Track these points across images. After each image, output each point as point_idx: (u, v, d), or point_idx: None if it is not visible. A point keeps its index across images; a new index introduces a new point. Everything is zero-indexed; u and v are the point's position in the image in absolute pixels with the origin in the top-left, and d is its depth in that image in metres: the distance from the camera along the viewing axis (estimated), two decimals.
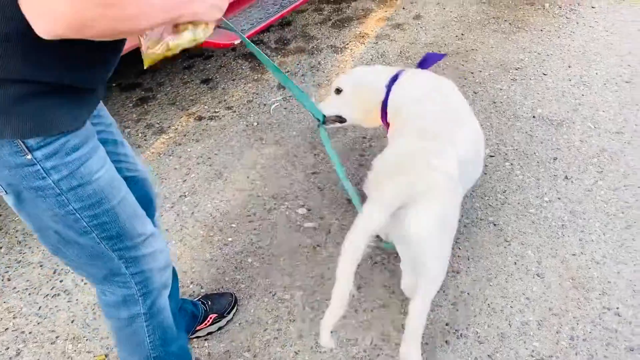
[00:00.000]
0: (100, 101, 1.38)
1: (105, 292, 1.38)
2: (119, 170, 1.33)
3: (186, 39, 1.13)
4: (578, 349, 1.81)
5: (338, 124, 2.17)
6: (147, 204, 1.52)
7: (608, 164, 2.52)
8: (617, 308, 1.93)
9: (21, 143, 1.04)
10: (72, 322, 2.04)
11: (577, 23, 3.64)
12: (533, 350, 1.82)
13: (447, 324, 1.92)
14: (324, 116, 2.08)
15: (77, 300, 2.13)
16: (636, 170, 2.47)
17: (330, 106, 2.13)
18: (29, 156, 1.06)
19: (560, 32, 3.55)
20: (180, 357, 1.58)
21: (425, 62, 2.10)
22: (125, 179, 1.35)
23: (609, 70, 3.14)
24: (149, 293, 1.39)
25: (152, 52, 1.12)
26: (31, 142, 1.05)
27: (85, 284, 2.18)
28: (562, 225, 2.24)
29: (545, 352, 1.81)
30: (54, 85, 1.05)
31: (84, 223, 1.18)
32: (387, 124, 2.03)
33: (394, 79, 2.02)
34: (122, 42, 1.18)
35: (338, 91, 2.11)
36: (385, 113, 2.03)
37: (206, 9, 1.10)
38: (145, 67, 1.17)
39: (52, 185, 1.10)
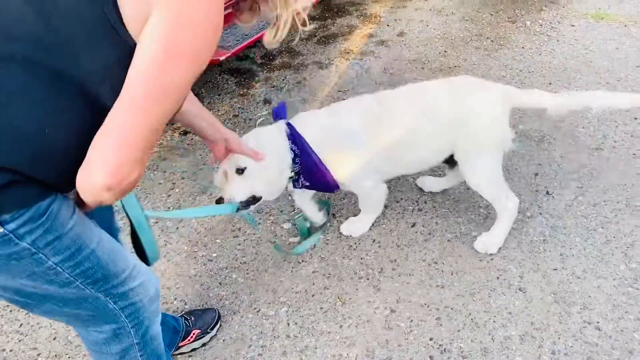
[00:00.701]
0: None
1: (91, 332, 1.34)
2: None
3: None
4: None
5: (254, 205, 1.99)
6: (108, 229, 1.44)
7: (588, 180, 2.56)
8: (598, 322, 1.95)
9: None
10: (54, 339, 2.02)
11: (558, 41, 3.72)
12: None
13: (431, 339, 1.93)
14: (239, 204, 1.89)
15: None
16: (615, 186, 2.52)
17: (239, 191, 1.92)
18: (1, 229, 1.01)
19: (541, 50, 3.62)
20: None
21: (279, 114, 2.12)
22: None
23: (588, 87, 3.21)
24: (141, 323, 1.36)
25: None
26: (5, 216, 1.00)
27: None
28: (544, 240, 2.27)
29: None
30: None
31: (66, 274, 1.14)
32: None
33: (289, 125, 2.04)
34: None
35: (240, 171, 1.91)
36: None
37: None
38: None
39: (27, 246, 1.05)
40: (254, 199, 1.97)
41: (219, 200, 1.93)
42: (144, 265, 1.35)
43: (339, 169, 2.07)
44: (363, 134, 2.06)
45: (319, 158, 2.00)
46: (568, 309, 2.00)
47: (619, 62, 3.42)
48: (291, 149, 2.00)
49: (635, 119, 2.93)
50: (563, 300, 2.04)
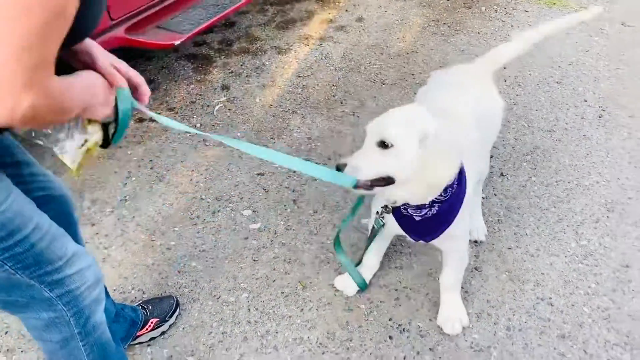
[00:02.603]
0: None
1: (29, 318, 1.30)
2: (28, 191, 1.24)
3: (95, 134, 1.20)
4: (514, 338, 1.89)
5: (380, 187, 1.56)
6: (66, 220, 1.43)
7: (541, 161, 2.64)
8: (550, 298, 2.02)
9: None
10: (6, 333, 1.95)
11: (512, 26, 3.79)
12: (472, 342, 1.88)
13: (390, 319, 1.96)
14: (360, 182, 1.51)
15: None
16: (566, 166, 2.60)
17: (371, 167, 1.51)
18: None
19: (497, 35, 3.69)
20: None
21: None
22: (37, 199, 1.26)
23: (541, 72, 3.29)
24: (81, 312, 1.32)
25: (77, 163, 1.19)
26: None
27: None
28: (499, 220, 2.33)
29: (484, 343, 1.87)
30: None
31: None
32: None
33: None
34: None
35: (384, 145, 1.50)
36: None
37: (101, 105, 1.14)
38: (77, 177, 1.18)
39: None
40: (384, 181, 1.53)
41: (339, 168, 1.52)
42: (83, 251, 1.32)
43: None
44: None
45: (464, 196, 1.63)
46: (522, 287, 2.06)
47: (570, 47, 3.51)
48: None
49: (585, 101, 3.02)
50: (517, 278, 2.10)
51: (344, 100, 3.11)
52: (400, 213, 1.66)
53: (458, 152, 1.53)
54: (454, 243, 1.79)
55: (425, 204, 1.57)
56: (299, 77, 3.33)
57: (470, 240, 2.16)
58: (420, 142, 1.47)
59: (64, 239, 1.26)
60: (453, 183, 1.56)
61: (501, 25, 3.81)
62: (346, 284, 2.05)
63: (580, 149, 2.70)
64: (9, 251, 1.13)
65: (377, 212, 1.76)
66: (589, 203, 2.40)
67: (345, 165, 1.50)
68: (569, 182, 2.51)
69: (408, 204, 1.60)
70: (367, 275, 2.06)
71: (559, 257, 2.17)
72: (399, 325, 1.94)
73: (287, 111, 3.04)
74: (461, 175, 1.59)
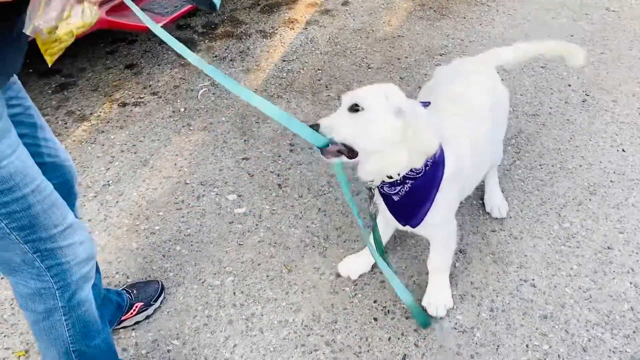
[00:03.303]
0: (18, 81, 1.31)
1: (18, 283, 1.31)
2: (37, 155, 1.26)
3: (76, 21, 1.11)
4: (497, 319, 1.91)
5: (342, 159, 1.56)
6: (67, 191, 1.46)
7: (525, 145, 2.65)
8: (533, 279, 2.04)
9: None
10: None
11: (497, 11, 3.79)
12: (456, 323, 1.90)
13: (375, 301, 1.97)
14: (328, 143, 1.51)
15: None
16: (550, 150, 2.62)
17: (343, 130, 1.52)
18: None
19: (482, 20, 3.69)
20: (104, 351, 1.53)
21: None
22: (44, 164, 1.28)
23: None
24: (67, 286, 1.33)
25: (50, 47, 1.11)
26: None
27: (2, 277, 2.07)
28: (483, 203, 2.34)
29: (467, 324, 1.89)
30: None
31: None
32: None
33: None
34: None
35: (354, 109, 1.53)
36: None
37: None
38: (50, 65, 1.13)
39: None
40: (351, 153, 1.54)
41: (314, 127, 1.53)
42: (80, 226, 1.32)
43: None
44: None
45: (441, 180, 1.63)
46: (505, 268, 2.08)
47: (555, 32, 3.52)
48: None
49: (569, 85, 3.04)
50: (501, 260, 2.11)
51: (330, 85, 3.10)
52: (381, 193, 1.69)
53: (437, 130, 1.55)
54: (435, 231, 1.82)
55: (397, 181, 1.59)
56: (284, 61, 3.30)
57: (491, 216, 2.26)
58: (396, 115, 1.50)
59: (64, 208, 1.27)
60: (427, 161, 1.57)
61: (487, 10, 3.81)
62: (350, 269, 2.04)
63: (564, 133, 2.72)
64: (6, 207, 1.14)
65: (371, 205, 1.76)
66: (572, 186, 2.42)
67: (318, 125, 1.52)
68: (552, 166, 2.53)
69: (384, 182, 1.61)
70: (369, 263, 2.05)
71: (542, 239, 2.19)
72: (384, 307, 1.95)
73: (272, 95, 3.01)
74: (438, 158, 1.60)
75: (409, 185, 1.60)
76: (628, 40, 3.44)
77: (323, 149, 1.52)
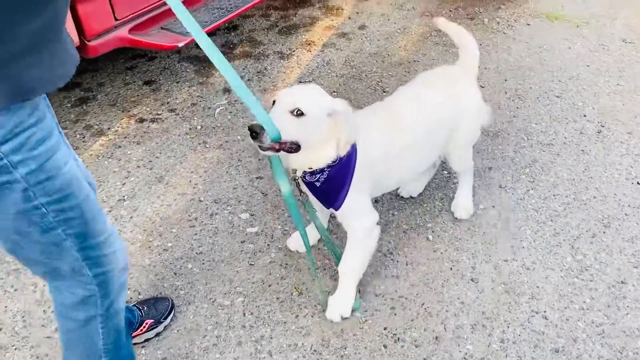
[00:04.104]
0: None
1: (64, 291, 1.34)
2: None
3: None
4: (508, 351, 1.89)
5: (282, 152, 1.72)
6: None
7: (539, 174, 2.65)
8: (545, 311, 2.02)
9: None
10: (0, 330, 1.95)
11: (514, 39, 3.81)
12: (466, 353, 1.88)
13: (385, 328, 1.96)
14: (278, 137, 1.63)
15: (5, 307, 2.03)
16: (564, 180, 2.61)
17: (289, 129, 1.66)
18: None
19: (498, 47, 3.71)
20: None
21: None
22: None
23: (541, 85, 3.30)
24: (108, 294, 1.36)
25: None
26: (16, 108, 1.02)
27: (15, 290, 2.09)
28: (496, 232, 2.34)
29: (477, 355, 1.88)
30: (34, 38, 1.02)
31: (50, 218, 1.16)
32: None
33: None
34: None
35: (298, 113, 1.67)
36: None
37: None
38: None
39: (19, 178, 1.08)
40: (294, 146, 1.71)
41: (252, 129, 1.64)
42: (116, 234, 1.37)
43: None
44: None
45: (354, 167, 1.83)
46: (517, 299, 2.07)
47: (570, 61, 3.53)
48: None
49: (584, 115, 3.04)
50: (513, 290, 2.10)
51: None
52: (305, 182, 1.88)
53: (355, 125, 1.77)
54: (347, 221, 1.95)
55: (317, 170, 1.80)
56: (300, 82, 3.34)
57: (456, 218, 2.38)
58: (328, 116, 1.72)
59: (104, 217, 1.32)
60: (343, 156, 1.78)
61: (503, 37, 3.83)
62: (298, 242, 2.21)
63: (578, 163, 2.72)
64: (64, 213, 1.17)
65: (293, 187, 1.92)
66: (586, 218, 2.41)
67: (260, 127, 1.60)
68: (566, 197, 2.52)
69: (305, 172, 1.82)
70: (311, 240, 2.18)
71: (554, 270, 2.18)
72: (394, 334, 1.94)
73: None
74: (351, 149, 1.79)
75: (326, 172, 1.81)
76: None
77: (263, 146, 1.65)
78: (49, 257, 1.23)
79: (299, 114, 1.68)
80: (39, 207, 1.13)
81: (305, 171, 1.82)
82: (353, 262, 1.96)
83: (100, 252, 1.29)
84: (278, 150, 1.70)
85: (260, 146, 1.66)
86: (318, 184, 1.84)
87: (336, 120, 1.72)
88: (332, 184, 1.84)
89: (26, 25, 1.00)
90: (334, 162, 1.79)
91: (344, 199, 1.85)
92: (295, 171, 1.86)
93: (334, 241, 2.15)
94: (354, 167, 1.83)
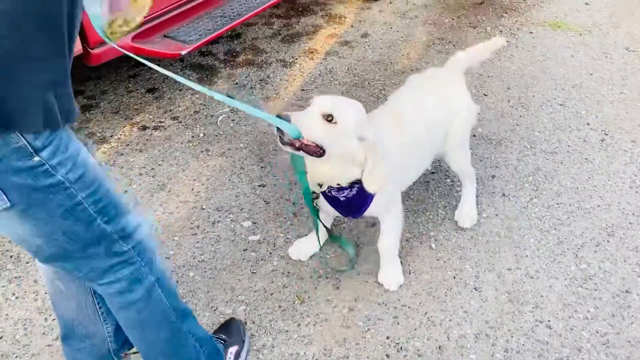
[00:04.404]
0: None
1: (112, 283, 1.37)
2: None
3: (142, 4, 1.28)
4: None
5: (303, 152, 1.69)
6: None
7: (542, 183, 2.64)
8: (549, 321, 2.01)
9: (28, 146, 1.08)
10: (1, 338, 1.94)
11: (517, 47, 3.81)
12: None
13: (387, 337, 1.94)
14: (300, 134, 1.63)
15: (6, 315, 2.02)
16: (568, 189, 2.60)
17: (314, 129, 1.66)
18: (37, 158, 1.10)
19: (501, 55, 3.70)
20: (189, 311, 1.63)
21: None
22: None
23: (544, 93, 3.30)
24: (151, 260, 1.42)
25: (116, 31, 1.29)
26: (37, 143, 1.09)
27: (16, 298, 2.08)
28: (499, 240, 2.32)
29: None
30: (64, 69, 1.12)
31: (90, 211, 1.22)
32: None
33: None
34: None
35: (329, 118, 1.67)
36: None
37: None
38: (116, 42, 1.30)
39: (62, 179, 1.14)
40: (316, 149, 1.68)
41: (280, 117, 1.63)
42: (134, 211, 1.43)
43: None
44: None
45: None
46: (521, 308, 2.05)
47: (573, 70, 3.53)
48: None
49: (588, 124, 3.03)
50: (516, 299, 2.08)
51: None
52: (326, 195, 1.88)
53: (385, 162, 1.75)
54: (382, 214, 2.03)
55: (344, 186, 1.80)
56: (303, 90, 3.34)
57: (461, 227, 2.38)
58: (359, 139, 1.70)
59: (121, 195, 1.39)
60: None
61: (506, 45, 3.82)
62: (300, 251, 2.23)
63: (582, 172, 2.70)
64: (100, 202, 1.23)
65: (314, 201, 1.96)
66: (590, 226, 2.40)
67: (287, 117, 1.62)
68: (570, 205, 2.51)
69: (331, 187, 1.81)
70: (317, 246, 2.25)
71: (558, 279, 2.16)
72: (396, 344, 1.92)
73: None
74: None
75: (355, 189, 1.80)
76: None
77: (284, 139, 1.64)
78: (92, 250, 1.29)
79: (330, 119, 1.67)
80: (80, 202, 1.20)
81: (331, 186, 1.82)
82: (391, 241, 2.08)
83: (131, 227, 1.34)
84: (298, 149, 1.67)
85: (280, 138, 1.65)
86: (342, 199, 1.85)
87: (365, 147, 1.71)
88: (357, 198, 1.84)
89: (67, 58, 1.13)
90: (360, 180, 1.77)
91: (366, 210, 1.90)
92: (320, 185, 1.85)
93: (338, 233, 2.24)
94: None
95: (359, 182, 1.77)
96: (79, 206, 1.20)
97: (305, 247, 2.25)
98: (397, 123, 2.00)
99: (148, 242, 1.42)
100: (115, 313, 1.49)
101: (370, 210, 1.93)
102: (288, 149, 1.68)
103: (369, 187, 1.73)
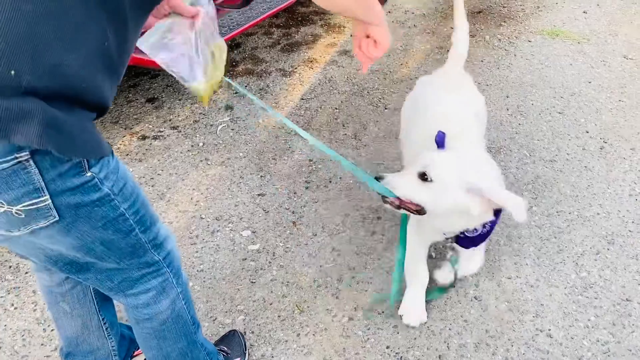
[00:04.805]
0: None
1: (140, 294, 1.38)
2: None
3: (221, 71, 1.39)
4: None
5: (409, 211, 1.69)
6: None
7: (542, 191, 2.63)
8: (549, 330, 2.00)
9: (85, 162, 1.08)
10: (0, 349, 1.94)
11: (515, 55, 3.82)
12: None
13: (387, 347, 1.94)
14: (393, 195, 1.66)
15: (5, 326, 2.02)
16: (567, 197, 2.60)
17: (405, 188, 1.66)
18: (89, 173, 1.10)
19: (499, 64, 3.72)
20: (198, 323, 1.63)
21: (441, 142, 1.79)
22: None
23: (543, 101, 3.31)
24: (177, 271, 1.44)
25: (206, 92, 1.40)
26: (92, 160, 1.10)
27: (15, 308, 2.08)
28: (499, 249, 2.32)
29: None
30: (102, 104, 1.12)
31: (131, 221, 1.23)
32: None
33: None
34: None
35: (423, 177, 1.63)
36: None
37: None
38: (206, 107, 1.33)
39: (108, 192, 1.15)
40: (416, 208, 1.67)
41: (377, 178, 1.68)
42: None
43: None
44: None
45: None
46: (521, 317, 2.04)
47: (572, 78, 3.54)
48: None
49: (587, 132, 3.04)
50: (517, 308, 2.08)
51: (347, 124, 3.13)
52: (457, 236, 1.82)
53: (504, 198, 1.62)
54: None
55: (478, 228, 1.72)
56: (303, 99, 3.35)
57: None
58: (467, 191, 1.58)
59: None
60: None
61: (504, 54, 3.85)
62: (417, 313, 2.00)
63: (581, 180, 2.70)
64: (139, 213, 1.25)
65: (449, 256, 1.94)
66: (590, 234, 2.39)
67: (382, 177, 1.65)
68: (569, 213, 2.51)
69: (466, 230, 1.75)
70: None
71: (558, 288, 2.15)
72: (396, 353, 1.92)
73: (289, 133, 3.05)
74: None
75: (488, 226, 1.75)
76: None
77: (385, 197, 1.65)
78: (125, 259, 1.29)
79: (425, 179, 1.61)
80: (122, 213, 1.20)
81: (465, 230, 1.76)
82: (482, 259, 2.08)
83: (162, 236, 1.35)
84: (399, 207, 1.66)
85: (383, 196, 1.66)
86: (473, 235, 1.78)
87: (476, 196, 1.58)
88: (489, 232, 1.79)
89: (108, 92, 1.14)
90: (495, 216, 1.69)
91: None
92: (445, 234, 1.83)
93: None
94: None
95: (492, 221, 1.71)
96: (121, 217, 1.21)
97: (419, 306, 2.03)
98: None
99: (176, 252, 1.43)
100: (135, 324, 1.48)
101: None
102: (388, 206, 1.68)
103: (519, 218, 1.61)
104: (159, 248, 1.34)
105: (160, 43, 1.29)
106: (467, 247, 1.89)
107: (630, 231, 2.41)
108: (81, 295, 1.56)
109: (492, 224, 1.77)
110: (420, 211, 1.66)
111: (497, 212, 1.71)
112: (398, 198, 1.64)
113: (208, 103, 1.35)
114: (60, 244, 1.18)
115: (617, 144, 2.94)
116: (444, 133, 1.76)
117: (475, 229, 1.74)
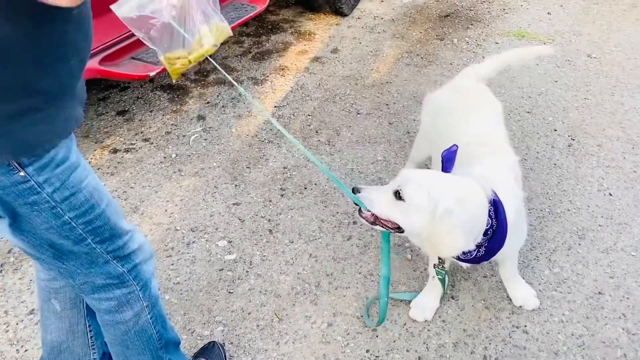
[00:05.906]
0: None
1: (102, 300, 1.38)
2: None
3: (206, 47, 1.32)
4: None
5: (388, 229, 1.67)
6: None
7: None
8: (525, 326, 2.03)
9: (14, 161, 1.07)
10: None
11: (483, 57, 3.88)
12: None
13: (367, 351, 1.94)
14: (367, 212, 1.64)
15: None
16: (538, 194, 2.65)
17: (382, 206, 1.62)
18: (22, 173, 1.09)
19: (468, 66, 3.77)
20: (175, 341, 1.63)
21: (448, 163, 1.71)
22: None
23: (512, 102, 3.37)
24: (145, 285, 1.42)
25: (174, 68, 1.32)
26: (23, 159, 1.08)
27: (19, 321, 2.03)
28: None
29: None
30: (45, 96, 1.08)
31: (79, 231, 1.22)
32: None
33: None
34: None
35: (397, 195, 1.59)
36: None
37: None
38: (174, 80, 1.29)
39: (47, 198, 1.14)
40: (392, 225, 1.64)
41: (354, 190, 1.65)
42: (137, 230, 1.42)
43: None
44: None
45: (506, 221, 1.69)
46: (498, 315, 2.07)
47: (539, 77, 3.61)
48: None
49: (555, 130, 3.10)
50: (493, 306, 2.10)
51: (320, 130, 3.14)
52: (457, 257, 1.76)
53: (467, 231, 1.57)
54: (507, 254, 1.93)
55: (470, 251, 1.65)
56: (275, 107, 3.35)
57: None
58: (431, 212, 1.53)
59: (124, 217, 1.38)
60: (492, 224, 1.64)
61: (472, 56, 3.91)
62: (424, 310, 2.04)
63: (551, 177, 2.76)
64: (90, 224, 1.23)
65: (435, 265, 1.88)
66: (561, 231, 2.44)
67: (359, 191, 1.63)
68: (541, 210, 2.55)
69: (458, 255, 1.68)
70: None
71: (532, 284, 2.19)
72: (376, 357, 1.92)
73: (263, 141, 3.04)
74: (497, 211, 1.65)
75: (482, 250, 1.68)
76: (610, 85, 3.53)
77: (361, 211, 1.64)
78: (84, 265, 1.30)
79: (400, 197, 1.57)
80: (67, 222, 1.19)
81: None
82: (513, 267, 2.08)
83: (128, 249, 1.35)
84: (373, 223, 1.64)
85: (359, 209, 1.65)
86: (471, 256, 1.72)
87: (438, 219, 1.52)
88: (488, 251, 1.72)
89: (39, 84, 1.06)
90: (484, 237, 1.64)
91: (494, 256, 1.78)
92: (440, 260, 1.83)
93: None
94: (506, 227, 1.66)
95: (482, 244, 1.66)
96: (66, 225, 1.20)
97: (430, 303, 2.05)
98: (491, 149, 1.91)
99: (145, 266, 1.42)
100: (102, 326, 1.49)
101: (504, 252, 1.77)
102: (363, 222, 1.66)
103: (441, 253, 1.63)
104: (122, 260, 1.34)
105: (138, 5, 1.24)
106: (468, 265, 1.94)
107: (600, 225, 2.47)
108: (73, 296, 1.55)
109: (492, 243, 1.68)
110: (397, 229, 1.63)
111: (496, 232, 1.66)
112: (373, 214, 1.62)
113: (178, 77, 1.32)
114: (15, 240, 1.22)
115: (584, 141, 3.01)
116: (456, 148, 1.69)
117: (470, 252, 1.67)
